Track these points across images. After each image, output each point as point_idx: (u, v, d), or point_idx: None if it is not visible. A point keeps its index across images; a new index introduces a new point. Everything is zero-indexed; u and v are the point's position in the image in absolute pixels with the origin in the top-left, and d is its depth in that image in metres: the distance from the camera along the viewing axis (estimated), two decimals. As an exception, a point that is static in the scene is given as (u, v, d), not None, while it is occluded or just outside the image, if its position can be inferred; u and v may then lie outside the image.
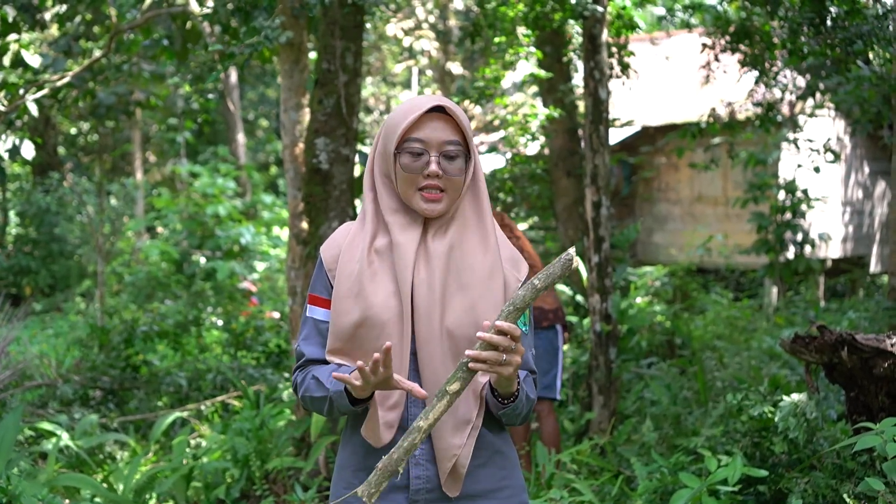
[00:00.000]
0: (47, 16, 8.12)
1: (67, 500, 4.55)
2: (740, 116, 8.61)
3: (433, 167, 1.97)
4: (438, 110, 2.00)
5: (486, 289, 1.99)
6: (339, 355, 2.03)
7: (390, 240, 2.01)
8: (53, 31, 11.62)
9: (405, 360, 1.98)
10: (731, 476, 3.53)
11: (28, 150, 6.86)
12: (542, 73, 7.05)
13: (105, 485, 4.78)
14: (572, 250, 1.80)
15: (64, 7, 7.92)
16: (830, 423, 4.17)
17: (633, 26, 6.78)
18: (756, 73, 7.33)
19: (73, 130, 17.45)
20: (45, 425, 5.25)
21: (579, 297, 7.44)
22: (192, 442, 5.72)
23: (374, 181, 2.06)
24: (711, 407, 5.16)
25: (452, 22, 14.43)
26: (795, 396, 3.86)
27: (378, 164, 2.06)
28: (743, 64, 7.08)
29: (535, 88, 9.41)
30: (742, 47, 6.97)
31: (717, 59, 7.19)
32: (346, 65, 4.83)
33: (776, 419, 3.85)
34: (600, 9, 5.55)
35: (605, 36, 5.68)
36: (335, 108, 4.88)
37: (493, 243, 2.03)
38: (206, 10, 5.74)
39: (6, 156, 6.99)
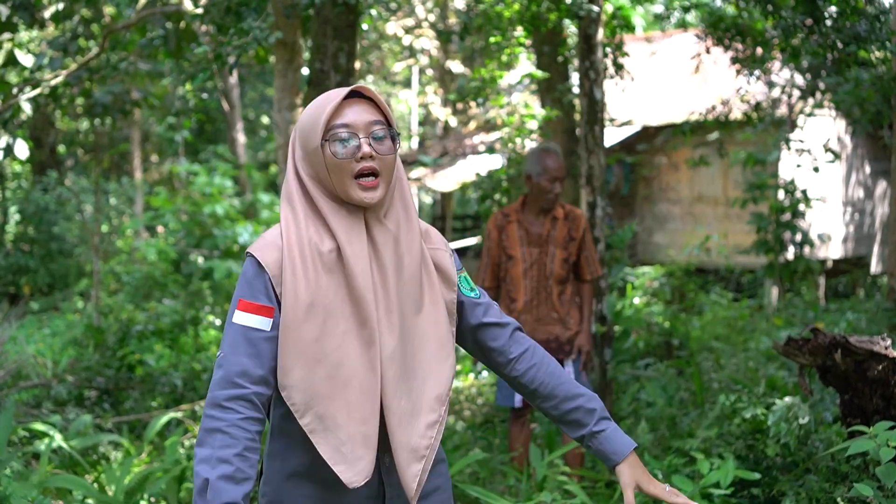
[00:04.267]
0: (46, 14, 8.10)
1: (60, 502, 4.53)
2: (735, 115, 8.58)
3: (366, 148, 1.88)
4: (355, 95, 1.94)
5: (417, 283, 1.96)
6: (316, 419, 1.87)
7: (336, 246, 1.91)
8: (53, 29, 11.60)
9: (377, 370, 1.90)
10: (724, 479, 3.50)
11: (21, 150, 6.85)
12: (539, 73, 7.02)
13: (97, 486, 4.76)
14: None
15: (61, 5, 7.89)
16: (826, 426, 4.14)
17: (628, 26, 6.75)
18: (748, 71, 7.30)
19: (74, 127, 17.43)
20: (39, 426, 5.22)
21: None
22: (186, 443, 5.69)
23: (304, 187, 1.93)
24: (708, 408, 5.12)
25: (452, 20, 14.40)
26: (788, 400, 3.83)
27: (302, 168, 1.93)
28: (735, 61, 7.06)
29: (534, 87, 9.39)
30: (736, 45, 6.95)
31: (707, 52, 7.16)
32: (339, 65, 4.81)
33: (769, 422, 3.82)
34: (596, 8, 5.52)
35: (601, 36, 5.65)
36: (328, 107, 4.85)
37: (417, 229, 1.98)
38: (198, 11, 5.72)
39: (0, 154, 6.98)
